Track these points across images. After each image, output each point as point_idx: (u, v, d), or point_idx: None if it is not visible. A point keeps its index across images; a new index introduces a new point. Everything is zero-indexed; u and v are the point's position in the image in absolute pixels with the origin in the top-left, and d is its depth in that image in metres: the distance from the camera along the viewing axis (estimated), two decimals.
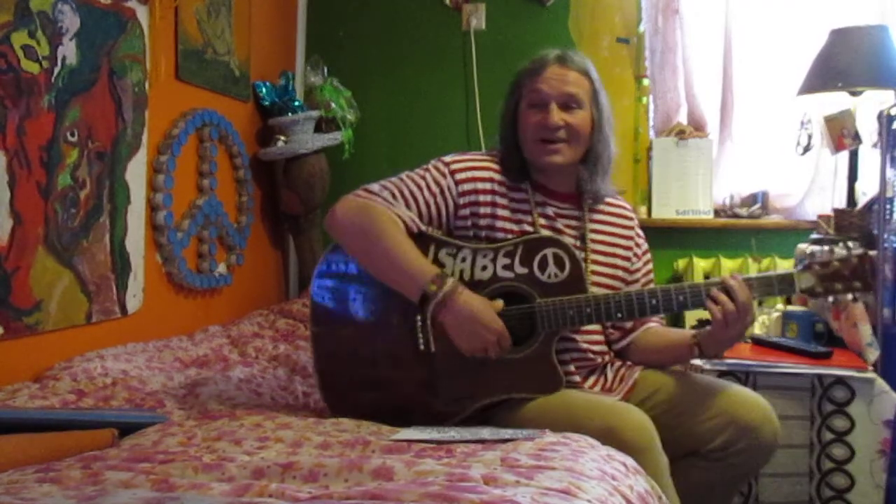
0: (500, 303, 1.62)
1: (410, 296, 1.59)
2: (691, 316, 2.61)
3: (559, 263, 1.63)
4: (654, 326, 1.81)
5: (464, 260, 1.65)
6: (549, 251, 1.64)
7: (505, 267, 1.64)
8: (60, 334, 1.97)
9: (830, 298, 1.66)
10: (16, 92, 1.81)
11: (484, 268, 1.65)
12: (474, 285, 1.64)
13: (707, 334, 1.64)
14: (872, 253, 1.71)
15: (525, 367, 1.62)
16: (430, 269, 1.59)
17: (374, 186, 1.70)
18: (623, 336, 1.79)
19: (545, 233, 1.70)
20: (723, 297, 1.57)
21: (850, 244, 1.67)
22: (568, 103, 1.68)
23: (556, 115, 1.67)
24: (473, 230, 1.70)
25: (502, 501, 1.06)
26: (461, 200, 1.69)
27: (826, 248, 1.69)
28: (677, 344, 1.74)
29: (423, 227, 1.68)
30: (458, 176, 1.70)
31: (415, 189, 1.68)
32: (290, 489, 1.14)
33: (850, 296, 1.65)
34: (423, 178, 1.70)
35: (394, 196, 1.67)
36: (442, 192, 1.69)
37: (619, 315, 1.62)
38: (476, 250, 1.66)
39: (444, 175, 1.70)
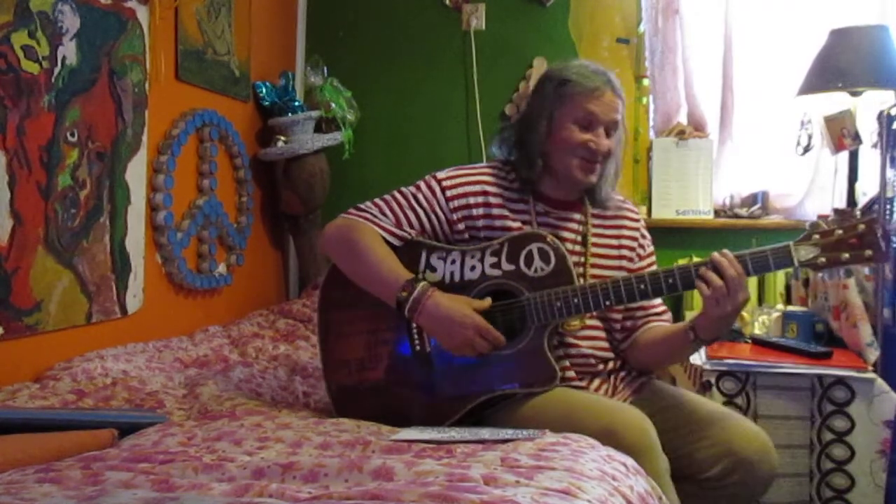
0: (487, 301, 1.65)
1: (389, 303, 1.65)
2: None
3: (544, 257, 1.64)
4: (657, 325, 1.79)
5: (453, 262, 1.69)
6: (533, 246, 1.65)
7: (492, 265, 1.67)
8: (60, 334, 1.97)
9: (841, 272, 1.55)
10: (16, 92, 1.81)
11: (473, 268, 1.68)
12: (464, 285, 1.67)
13: (700, 316, 1.61)
14: None
15: (519, 361, 1.63)
16: (402, 276, 1.64)
17: (365, 204, 1.76)
18: (627, 336, 1.78)
19: (529, 229, 1.71)
20: (711, 275, 1.54)
21: (857, 211, 1.53)
22: (610, 128, 1.71)
23: (605, 141, 1.70)
24: (473, 242, 1.72)
25: (502, 502, 1.06)
26: (454, 216, 1.72)
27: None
28: (673, 333, 1.71)
29: (413, 235, 1.72)
30: (449, 193, 1.73)
31: (405, 205, 1.73)
32: (290, 489, 1.14)
33: (864, 269, 1.54)
34: (414, 195, 1.75)
35: (382, 213, 1.73)
36: (432, 208, 1.73)
37: (608, 302, 1.61)
38: (464, 252, 1.69)
39: (433, 192, 1.74)
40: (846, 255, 1.51)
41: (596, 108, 1.68)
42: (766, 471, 1.59)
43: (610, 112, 1.70)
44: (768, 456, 1.60)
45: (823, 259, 1.52)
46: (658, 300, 1.79)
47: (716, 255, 1.56)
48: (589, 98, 1.69)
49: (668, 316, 1.82)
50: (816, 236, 1.53)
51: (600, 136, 1.70)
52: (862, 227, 1.50)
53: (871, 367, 2.01)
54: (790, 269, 2.61)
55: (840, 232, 1.51)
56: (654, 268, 1.83)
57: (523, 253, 1.65)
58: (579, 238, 1.76)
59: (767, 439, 1.62)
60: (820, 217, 2.55)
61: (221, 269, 2.72)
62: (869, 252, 1.50)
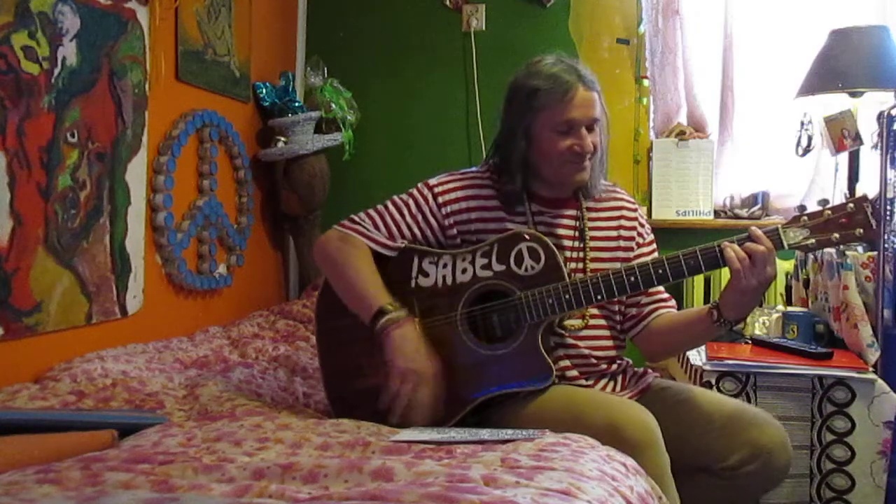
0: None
1: (365, 314, 1.65)
2: None
3: (534, 256, 1.64)
4: (668, 311, 1.77)
5: (445, 266, 1.69)
6: (523, 245, 1.65)
7: (483, 267, 1.67)
8: (60, 335, 1.97)
9: (833, 252, 1.50)
10: (16, 93, 1.81)
11: (464, 270, 1.68)
12: (457, 288, 1.68)
13: (724, 292, 1.58)
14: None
15: (514, 360, 1.63)
16: (379, 300, 1.64)
17: (359, 216, 1.75)
18: (634, 325, 1.77)
19: (518, 228, 1.70)
20: (738, 248, 1.52)
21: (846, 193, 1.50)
22: (592, 126, 1.68)
23: (589, 140, 1.67)
24: (465, 247, 1.71)
25: (502, 502, 1.06)
26: (446, 222, 1.72)
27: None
28: (694, 316, 1.68)
29: (405, 244, 1.72)
30: (441, 199, 1.73)
31: (397, 217, 1.73)
32: (289, 490, 1.14)
33: (859, 248, 1.50)
34: (406, 204, 1.74)
35: (376, 226, 1.73)
36: (424, 216, 1.73)
37: (599, 297, 1.60)
38: (455, 255, 1.69)
39: (426, 199, 1.74)
40: (836, 236, 1.49)
41: (572, 114, 1.64)
42: (783, 461, 1.60)
43: (587, 111, 1.66)
44: (785, 448, 1.60)
45: (813, 240, 1.51)
46: (661, 287, 1.77)
47: (753, 228, 1.54)
48: (563, 104, 1.64)
49: (674, 303, 1.80)
50: (805, 218, 1.51)
51: (583, 136, 1.66)
52: (851, 206, 1.49)
53: (871, 368, 2.01)
54: (788, 266, 2.61)
55: (829, 212, 1.49)
56: (654, 256, 1.81)
57: (513, 252, 1.65)
58: (577, 233, 1.75)
59: (783, 430, 1.62)
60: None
61: (221, 269, 2.72)
62: (860, 231, 1.48)
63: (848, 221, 1.48)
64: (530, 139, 1.69)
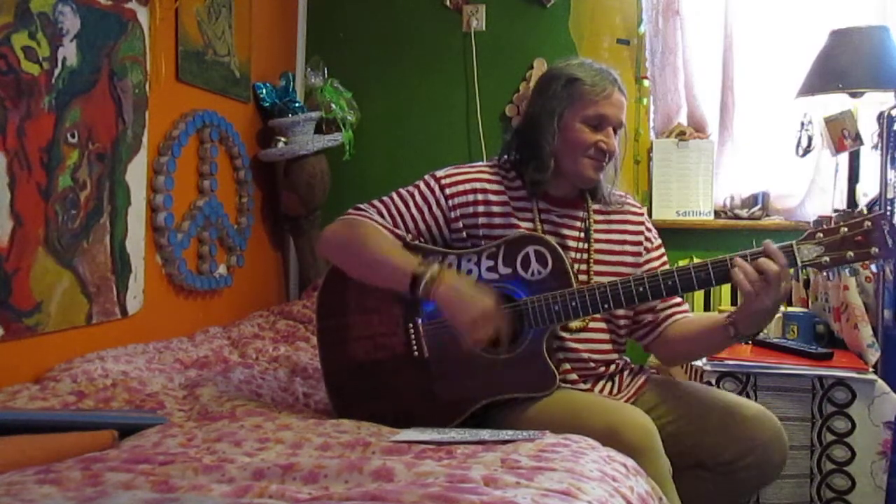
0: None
1: (401, 287, 1.60)
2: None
3: (541, 260, 1.63)
4: (683, 317, 1.76)
5: (450, 266, 1.67)
6: (530, 249, 1.64)
7: (489, 269, 1.65)
8: (61, 335, 1.97)
9: (847, 270, 1.48)
10: (16, 93, 1.81)
11: (469, 272, 1.66)
12: None
13: (740, 311, 1.57)
14: None
15: (518, 366, 1.63)
16: (414, 259, 1.62)
17: (363, 205, 1.73)
18: (650, 331, 1.77)
19: (526, 231, 1.69)
20: (748, 268, 1.49)
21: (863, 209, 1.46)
22: (617, 128, 1.72)
23: (613, 140, 1.71)
24: (471, 241, 1.71)
25: (502, 502, 1.06)
26: (452, 214, 1.71)
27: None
28: (711, 327, 1.67)
29: (408, 239, 1.70)
30: (449, 191, 1.72)
31: (402, 207, 1.71)
32: (290, 490, 1.14)
33: (872, 267, 1.48)
34: (412, 195, 1.72)
35: (381, 215, 1.71)
36: (430, 208, 1.71)
37: (606, 306, 1.59)
38: (460, 255, 1.68)
39: (432, 191, 1.72)
40: (851, 254, 1.46)
41: (606, 110, 1.68)
42: (778, 455, 1.60)
43: (618, 112, 1.70)
44: (780, 441, 1.60)
45: (827, 258, 1.48)
46: None
47: (767, 242, 1.51)
48: (599, 98, 1.68)
49: (687, 307, 1.80)
50: (820, 235, 1.48)
51: (610, 135, 1.70)
52: (868, 223, 1.45)
53: (871, 369, 2.01)
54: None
55: (845, 229, 1.46)
56: (663, 259, 1.82)
57: (520, 256, 1.64)
58: (581, 234, 1.75)
59: (780, 425, 1.62)
60: (821, 217, 2.55)
61: (222, 270, 2.72)
62: (875, 249, 1.45)
63: (864, 239, 1.45)
64: (560, 127, 1.70)
